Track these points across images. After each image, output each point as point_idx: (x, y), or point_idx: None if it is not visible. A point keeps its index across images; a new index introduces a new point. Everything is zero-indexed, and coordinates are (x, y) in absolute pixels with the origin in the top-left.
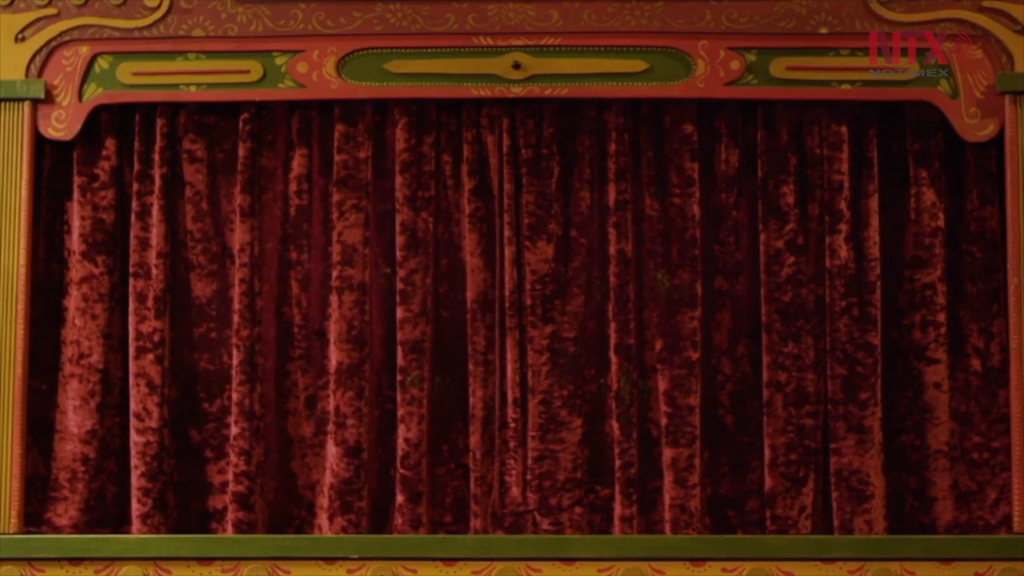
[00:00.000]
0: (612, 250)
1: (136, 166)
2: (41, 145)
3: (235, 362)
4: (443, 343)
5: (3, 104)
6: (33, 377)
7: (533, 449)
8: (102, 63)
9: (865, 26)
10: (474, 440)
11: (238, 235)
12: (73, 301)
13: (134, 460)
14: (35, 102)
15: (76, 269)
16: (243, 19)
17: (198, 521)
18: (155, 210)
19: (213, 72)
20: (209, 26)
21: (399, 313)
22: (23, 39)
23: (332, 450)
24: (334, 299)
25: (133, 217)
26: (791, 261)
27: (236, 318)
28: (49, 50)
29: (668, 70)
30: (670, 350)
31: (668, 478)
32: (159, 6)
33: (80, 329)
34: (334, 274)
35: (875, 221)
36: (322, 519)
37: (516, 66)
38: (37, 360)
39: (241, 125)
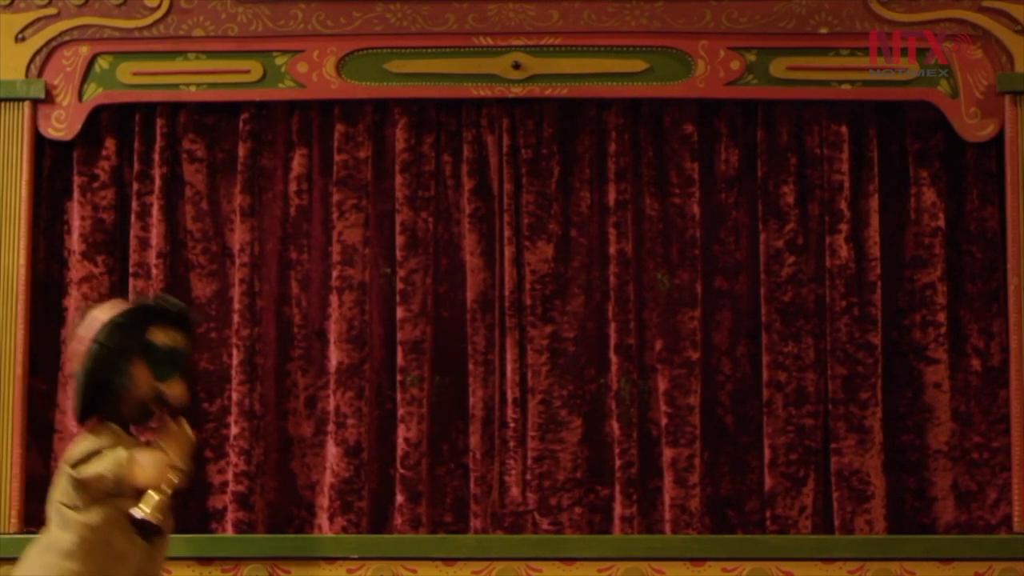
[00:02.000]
0: (612, 250)
1: (136, 166)
2: (41, 145)
3: (235, 362)
4: (443, 343)
5: (3, 104)
6: (33, 377)
7: (533, 449)
8: (102, 63)
9: (865, 26)
10: (474, 440)
11: (238, 235)
12: (73, 301)
13: None
14: (35, 102)
15: (76, 269)
16: (243, 19)
17: (198, 521)
18: (155, 210)
19: (213, 72)
20: (209, 26)
21: (399, 313)
22: (23, 39)
23: (332, 450)
24: (334, 299)
25: (133, 217)
26: (791, 261)
27: (236, 318)
28: (49, 50)
29: (668, 70)
30: (670, 350)
31: (668, 478)
32: (159, 6)
33: None
34: (334, 274)
35: (875, 221)
36: (322, 519)
37: (516, 66)
38: (37, 360)
39: (241, 125)
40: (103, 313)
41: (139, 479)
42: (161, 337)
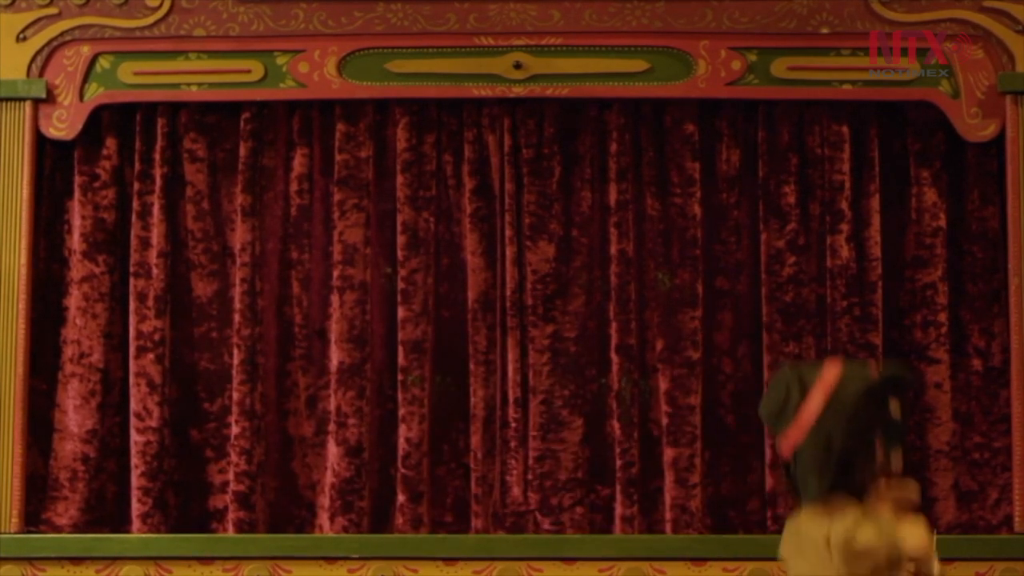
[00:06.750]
0: (613, 250)
1: (137, 166)
2: (42, 145)
3: (236, 361)
4: (444, 343)
5: (4, 104)
6: (34, 377)
7: (534, 449)
8: (103, 63)
9: (866, 26)
10: (475, 440)
11: (239, 235)
12: (74, 301)
13: (134, 460)
14: (36, 102)
15: (77, 269)
16: (244, 19)
17: (199, 521)
18: (156, 209)
19: (214, 72)
20: (210, 26)
21: (400, 313)
22: (24, 39)
23: (333, 450)
24: (335, 299)
25: (134, 216)
26: (792, 261)
27: (237, 317)
28: (50, 50)
29: (669, 70)
30: (671, 350)
31: (669, 478)
32: (160, 6)
33: (81, 329)
34: (335, 274)
35: (876, 221)
36: (323, 519)
37: (517, 66)
38: (38, 360)
39: (242, 125)
40: (848, 382)
41: (910, 550)
42: (895, 408)
